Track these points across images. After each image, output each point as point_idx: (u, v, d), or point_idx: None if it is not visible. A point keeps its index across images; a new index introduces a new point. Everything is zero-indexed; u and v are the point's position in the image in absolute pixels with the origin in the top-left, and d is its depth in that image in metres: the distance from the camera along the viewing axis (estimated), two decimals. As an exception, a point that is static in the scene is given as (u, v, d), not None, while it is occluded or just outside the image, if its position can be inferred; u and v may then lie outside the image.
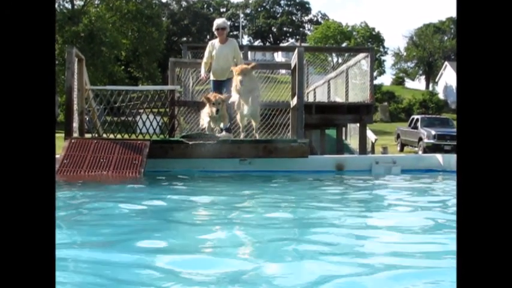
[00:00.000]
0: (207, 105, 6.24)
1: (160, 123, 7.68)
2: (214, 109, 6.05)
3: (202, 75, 7.17)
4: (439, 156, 7.19)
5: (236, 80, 6.04)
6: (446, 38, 56.09)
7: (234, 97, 6.18)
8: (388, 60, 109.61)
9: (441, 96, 45.59)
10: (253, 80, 6.27)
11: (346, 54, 13.22)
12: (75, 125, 6.82)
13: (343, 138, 13.33)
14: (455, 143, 8.87)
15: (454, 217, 1.07)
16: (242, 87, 6.01)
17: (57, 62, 26.15)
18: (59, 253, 2.07)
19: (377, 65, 43.82)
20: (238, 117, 6.44)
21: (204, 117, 6.47)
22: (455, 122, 14.64)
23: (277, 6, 66.60)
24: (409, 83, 58.22)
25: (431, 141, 16.34)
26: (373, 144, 13.43)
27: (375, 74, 11.64)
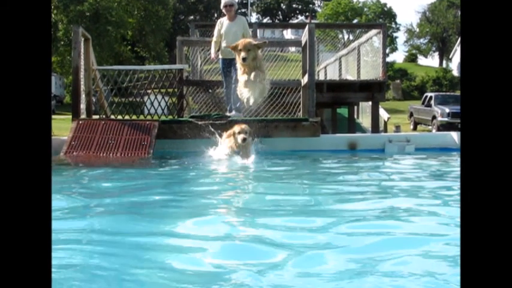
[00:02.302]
0: (231, 137, 5.29)
1: (168, 104, 7.57)
2: (240, 137, 5.08)
3: (212, 56, 7.02)
4: (453, 134, 7.02)
5: (238, 58, 5.34)
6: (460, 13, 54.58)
7: (241, 78, 5.45)
8: (401, 36, 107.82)
9: (455, 73, 44.64)
10: (259, 60, 5.45)
11: (358, 31, 12.87)
12: (83, 106, 6.75)
13: (355, 116, 13.13)
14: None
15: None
16: (245, 65, 5.26)
17: (62, 43, 25.96)
18: (61, 236, 2.05)
19: (389, 42, 42.97)
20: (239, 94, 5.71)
21: (228, 146, 5.37)
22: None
23: (286, -17, 65.26)
24: (422, 60, 57.15)
25: (445, 119, 16.01)
26: (385, 123, 13.22)
27: (387, 51, 11.30)
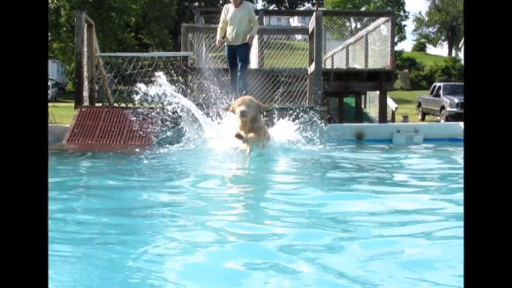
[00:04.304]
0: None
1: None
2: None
3: (217, 42, 6.91)
4: (462, 125, 6.89)
5: (236, 113, 4.66)
6: (471, 1, 53.58)
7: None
8: (409, 25, 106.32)
9: (464, 62, 44.11)
10: (258, 123, 4.72)
11: (365, 19, 12.63)
12: (85, 93, 6.68)
13: (362, 106, 12.98)
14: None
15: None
16: (242, 120, 4.60)
17: (64, 29, 25.74)
18: (59, 225, 1.99)
19: (397, 31, 42.48)
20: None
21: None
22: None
23: (293, -31, 64.38)
24: (430, 49, 56.46)
25: (454, 109, 15.76)
26: (393, 113, 13.05)
27: (395, 39, 10.99)
